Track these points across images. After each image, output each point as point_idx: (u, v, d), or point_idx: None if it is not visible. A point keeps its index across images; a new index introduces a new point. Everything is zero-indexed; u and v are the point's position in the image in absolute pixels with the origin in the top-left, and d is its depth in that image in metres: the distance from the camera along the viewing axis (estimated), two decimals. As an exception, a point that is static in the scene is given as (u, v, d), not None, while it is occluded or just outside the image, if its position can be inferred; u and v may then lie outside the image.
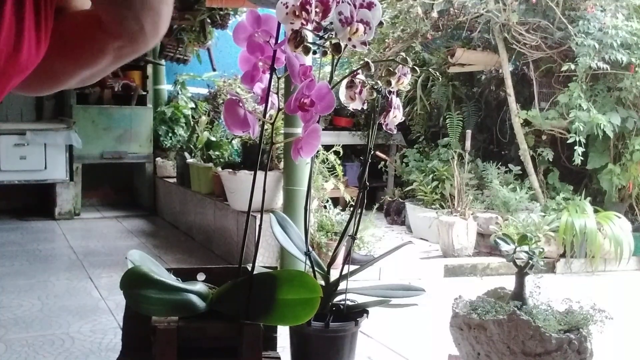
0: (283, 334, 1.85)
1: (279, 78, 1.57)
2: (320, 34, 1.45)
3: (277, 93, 1.60)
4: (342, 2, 1.37)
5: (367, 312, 1.99)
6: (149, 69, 6.36)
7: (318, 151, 3.96)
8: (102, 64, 0.59)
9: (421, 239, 5.04)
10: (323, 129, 1.63)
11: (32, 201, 6.31)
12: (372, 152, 1.94)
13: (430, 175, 5.37)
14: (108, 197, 6.73)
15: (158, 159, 6.36)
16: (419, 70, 1.79)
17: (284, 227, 2.10)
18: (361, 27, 1.38)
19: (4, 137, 5.58)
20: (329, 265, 2.08)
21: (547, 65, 5.16)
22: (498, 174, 5.09)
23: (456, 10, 5.47)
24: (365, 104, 1.70)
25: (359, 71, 1.62)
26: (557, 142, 5.24)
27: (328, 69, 3.02)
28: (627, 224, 4.56)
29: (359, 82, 1.66)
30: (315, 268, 2.00)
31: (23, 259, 4.38)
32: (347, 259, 1.99)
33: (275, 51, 1.45)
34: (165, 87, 6.74)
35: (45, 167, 5.77)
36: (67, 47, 0.59)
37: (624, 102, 4.87)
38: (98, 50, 0.57)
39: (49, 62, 0.60)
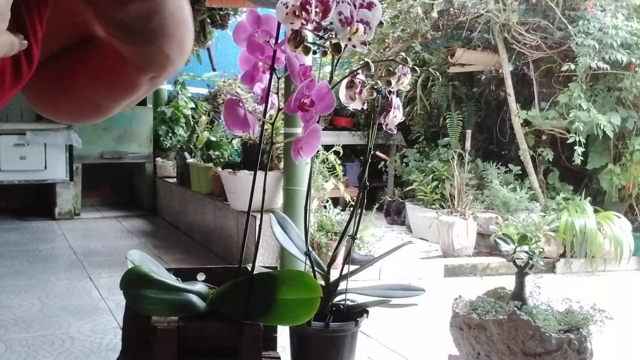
0: (283, 334, 1.85)
1: (279, 78, 1.56)
2: (320, 34, 1.45)
3: (277, 93, 1.60)
4: (342, 2, 1.37)
5: (367, 312, 1.99)
6: (149, 68, 6.36)
7: (318, 151, 3.96)
8: (140, 93, 0.61)
9: (421, 239, 5.04)
10: (323, 129, 1.63)
11: (32, 201, 6.32)
12: (372, 152, 1.94)
13: (430, 175, 5.37)
14: (108, 197, 6.73)
15: (158, 159, 6.36)
16: (419, 70, 1.79)
17: (284, 227, 2.10)
18: (361, 27, 1.38)
19: (4, 137, 5.58)
20: (329, 265, 2.08)
21: (547, 65, 5.16)
22: (498, 174, 5.09)
23: (456, 10, 5.47)
24: (365, 104, 1.70)
25: (359, 71, 1.62)
26: (557, 142, 5.24)
27: (328, 69, 3.02)
28: (627, 224, 4.56)
29: (359, 82, 1.65)
30: (315, 268, 2.00)
31: (23, 259, 4.38)
32: (347, 259, 1.99)
33: (275, 51, 1.45)
34: (165, 87, 6.74)
35: (45, 167, 5.77)
36: (103, 82, 0.60)
37: (624, 102, 4.87)
38: (132, 84, 0.58)
39: (90, 95, 0.61)
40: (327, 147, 4.32)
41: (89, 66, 0.60)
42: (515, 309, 2.02)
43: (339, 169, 4.42)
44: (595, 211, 4.60)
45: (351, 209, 2.92)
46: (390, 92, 1.74)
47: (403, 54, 2.69)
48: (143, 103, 6.32)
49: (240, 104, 1.46)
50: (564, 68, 4.78)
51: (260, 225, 1.68)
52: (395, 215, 5.73)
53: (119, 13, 0.49)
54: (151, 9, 0.50)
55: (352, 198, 4.46)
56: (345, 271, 1.94)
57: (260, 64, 1.49)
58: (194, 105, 6.52)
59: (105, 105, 0.62)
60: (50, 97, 0.62)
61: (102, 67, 0.60)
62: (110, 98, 0.60)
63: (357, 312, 1.98)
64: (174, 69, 0.58)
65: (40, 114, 0.66)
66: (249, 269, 1.55)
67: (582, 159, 4.69)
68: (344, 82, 1.67)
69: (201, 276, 1.69)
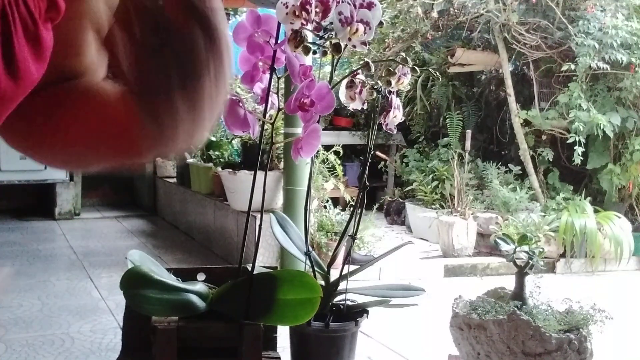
0: (283, 334, 1.85)
1: (279, 78, 1.57)
2: (320, 34, 1.45)
3: (277, 93, 1.60)
4: (342, 2, 1.37)
5: (367, 312, 1.99)
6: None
7: (318, 151, 3.96)
8: (134, 160, 0.55)
9: (421, 239, 5.04)
10: (323, 129, 1.63)
11: (32, 201, 6.31)
12: (372, 152, 1.94)
13: (430, 175, 5.37)
14: (108, 197, 6.73)
15: (158, 158, 6.36)
16: (419, 70, 1.79)
17: (284, 227, 2.10)
18: (361, 27, 1.38)
19: (4, 137, 5.58)
20: (329, 265, 2.08)
21: (547, 65, 5.16)
22: (498, 174, 5.09)
23: (456, 10, 5.47)
24: (365, 104, 1.70)
25: (359, 71, 1.62)
26: (557, 142, 5.24)
27: (328, 69, 3.02)
28: (627, 224, 4.56)
29: (359, 82, 1.65)
30: (315, 268, 2.00)
31: (23, 259, 4.38)
32: (347, 259, 1.99)
33: (275, 51, 1.45)
34: (165, 87, 6.73)
35: (45, 167, 5.77)
36: (86, 137, 0.54)
37: (624, 102, 4.87)
38: (128, 147, 0.53)
39: (67, 148, 0.55)
40: (327, 147, 4.32)
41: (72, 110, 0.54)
42: (515, 309, 2.02)
43: (339, 169, 4.42)
44: (595, 211, 4.60)
45: (351, 209, 2.92)
46: (390, 92, 1.74)
47: (403, 54, 2.69)
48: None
49: (240, 104, 1.46)
50: (564, 68, 4.78)
51: (260, 225, 1.68)
52: (395, 215, 5.73)
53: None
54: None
55: (352, 198, 4.46)
56: (345, 271, 1.94)
57: (260, 64, 1.49)
58: (194, 105, 6.51)
59: (88, 162, 0.56)
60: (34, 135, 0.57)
61: (86, 121, 0.54)
62: (91, 155, 0.54)
63: (357, 312, 1.98)
64: (174, 153, 0.53)
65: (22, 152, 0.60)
66: (249, 269, 1.55)
67: (582, 159, 4.69)
68: (344, 82, 1.67)
69: (201, 276, 1.69)
